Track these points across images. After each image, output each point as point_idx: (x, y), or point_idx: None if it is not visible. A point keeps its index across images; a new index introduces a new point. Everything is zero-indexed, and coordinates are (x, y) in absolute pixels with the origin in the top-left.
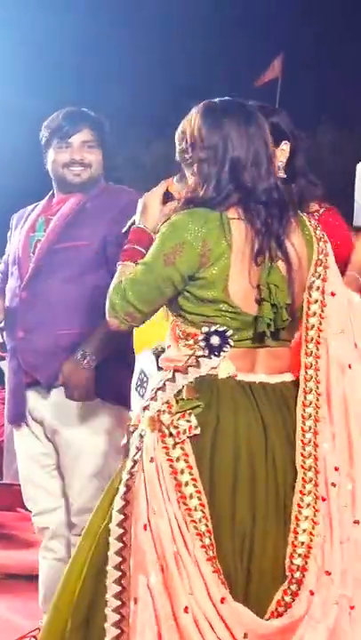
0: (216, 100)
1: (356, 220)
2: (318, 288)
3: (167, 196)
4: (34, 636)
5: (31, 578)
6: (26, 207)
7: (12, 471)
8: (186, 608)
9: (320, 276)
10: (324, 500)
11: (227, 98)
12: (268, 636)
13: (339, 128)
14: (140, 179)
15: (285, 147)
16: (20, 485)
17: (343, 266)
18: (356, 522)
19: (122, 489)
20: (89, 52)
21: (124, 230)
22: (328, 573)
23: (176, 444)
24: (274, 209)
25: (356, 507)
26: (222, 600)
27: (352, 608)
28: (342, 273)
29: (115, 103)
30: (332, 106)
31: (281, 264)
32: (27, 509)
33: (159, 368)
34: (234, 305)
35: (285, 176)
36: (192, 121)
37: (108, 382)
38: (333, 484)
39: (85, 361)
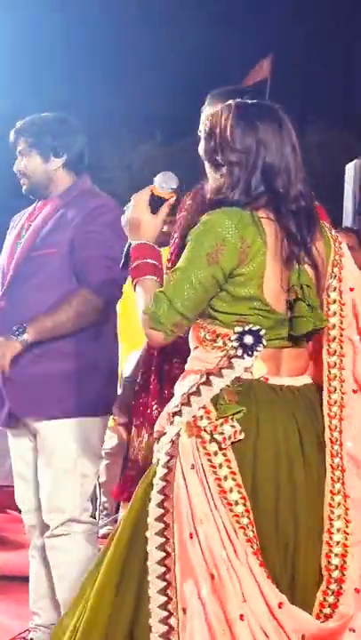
0: (248, 101)
1: (345, 221)
2: (335, 289)
3: (156, 202)
4: (24, 638)
5: (22, 579)
6: (26, 209)
7: (3, 473)
8: (241, 616)
9: (335, 276)
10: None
11: (257, 101)
12: (325, 637)
13: (327, 128)
14: (127, 179)
15: None
16: (10, 487)
17: None
18: None
19: (157, 497)
20: (79, 53)
21: (122, 263)
22: None
23: (220, 450)
24: (303, 216)
25: None
26: (280, 605)
27: None
28: None
29: (104, 104)
30: (321, 106)
31: (308, 268)
32: (18, 511)
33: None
34: (267, 302)
35: None
36: (222, 121)
37: (93, 397)
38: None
39: (19, 335)
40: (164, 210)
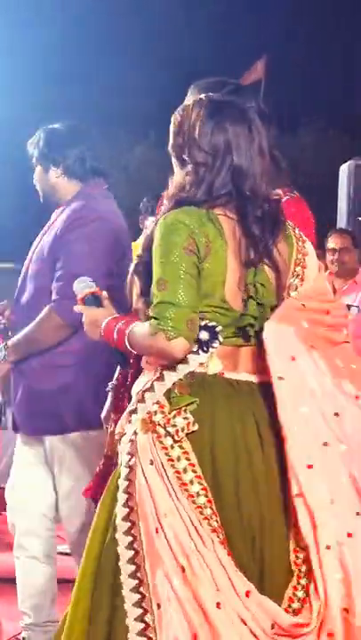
0: (219, 99)
1: (340, 221)
2: (296, 287)
3: (92, 301)
4: (17, 639)
5: (14, 581)
6: None
7: None
8: (218, 604)
9: (298, 275)
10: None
11: (229, 98)
12: (292, 629)
13: (322, 129)
14: (123, 181)
15: None
16: (2, 489)
17: None
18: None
19: (123, 496)
20: (73, 54)
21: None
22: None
23: (175, 442)
24: (268, 219)
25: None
26: (247, 594)
27: None
28: None
29: (100, 105)
30: (316, 107)
31: (267, 268)
32: None
33: None
34: (225, 300)
35: None
36: (192, 118)
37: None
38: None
39: (3, 358)
40: (106, 301)
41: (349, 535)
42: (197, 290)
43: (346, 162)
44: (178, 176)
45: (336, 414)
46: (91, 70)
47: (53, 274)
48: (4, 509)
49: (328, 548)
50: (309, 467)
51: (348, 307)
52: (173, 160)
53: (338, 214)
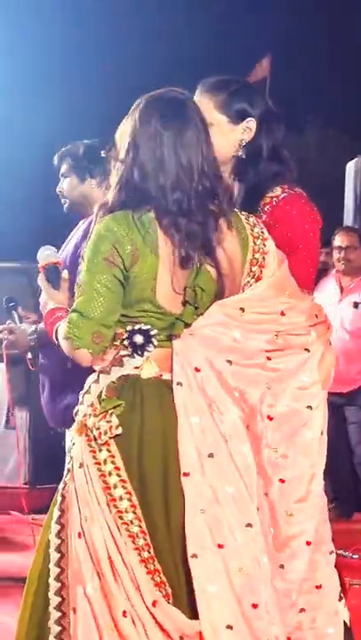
0: (152, 93)
1: (346, 219)
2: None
3: (52, 272)
4: None
5: (23, 581)
6: None
7: (6, 474)
8: (124, 612)
9: (255, 275)
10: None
11: (165, 90)
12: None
13: (327, 127)
14: None
15: (251, 124)
16: (12, 488)
17: (295, 256)
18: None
19: (58, 499)
20: (72, 54)
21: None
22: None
23: (102, 446)
24: (197, 216)
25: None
26: (154, 603)
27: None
28: (296, 266)
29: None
30: (320, 105)
31: (210, 268)
32: (21, 512)
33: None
34: (159, 305)
35: (244, 156)
36: (125, 120)
37: None
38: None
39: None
40: (64, 283)
41: (219, 546)
42: (114, 302)
43: (352, 159)
44: (111, 181)
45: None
46: (91, 70)
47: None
48: (13, 509)
49: (194, 556)
50: (185, 474)
51: (356, 304)
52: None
53: (345, 212)
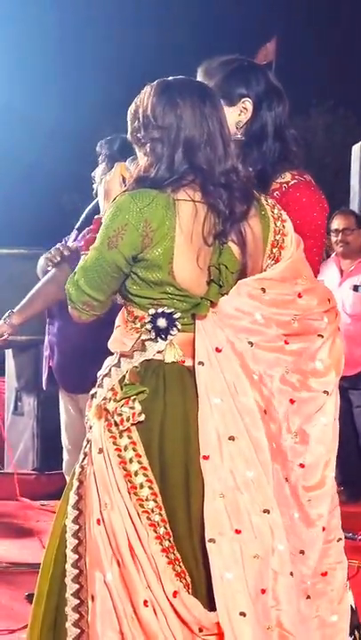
0: (170, 78)
1: (352, 201)
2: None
3: (125, 181)
4: None
5: (33, 566)
6: None
7: (14, 461)
8: (145, 602)
9: (274, 256)
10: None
11: (181, 76)
12: (217, 629)
13: (332, 110)
14: None
15: (246, 104)
16: (20, 475)
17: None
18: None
19: (75, 484)
20: (72, 39)
21: (77, 226)
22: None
23: (122, 432)
24: (236, 192)
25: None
26: (175, 594)
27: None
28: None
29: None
30: (326, 88)
31: (234, 246)
32: (30, 499)
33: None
34: (180, 287)
35: (243, 137)
36: (145, 99)
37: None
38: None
39: (7, 319)
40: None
41: (237, 532)
42: (105, 282)
43: (358, 142)
44: (141, 161)
45: (265, 411)
46: (95, 59)
47: None
48: (22, 495)
49: (211, 541)
50: (205, 457)
51: (356, 287)
52: (135, 147)
53: (351, 194)
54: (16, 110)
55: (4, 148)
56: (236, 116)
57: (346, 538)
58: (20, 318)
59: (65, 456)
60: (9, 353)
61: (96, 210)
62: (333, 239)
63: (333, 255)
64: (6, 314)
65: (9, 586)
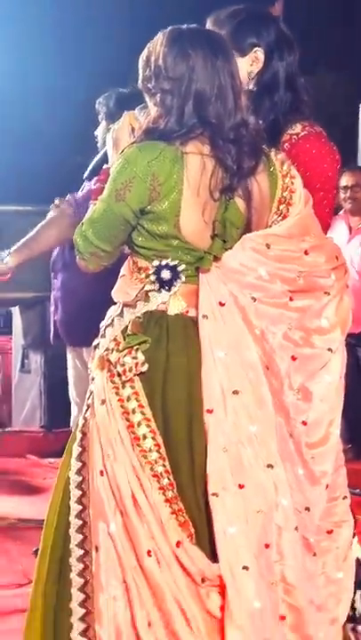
0: (184, 27)
1: (359, 159)
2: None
3: (133, 130)
4: None
5: (41, 523)
6: None
7: (22, 418)
8: (149, 552)
9: (281, 213)
10: None
11: (194, 26)
12: (219, 580)
13: (341, 68)
14: None
15: (258, 54)
16: (28, 432)
17: (313, 196)
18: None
19: (78, 435)
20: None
21: (86, 175)
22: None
23: (125, 382)
24: (245, 146)
25: None
26: (178, 544)
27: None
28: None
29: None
30: (334, 46)
31: (240, 201)
32: (38, 456)
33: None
34: (185, 240)
35: (255, 88)
36: (157, 48)
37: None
38: None
39: (2, 260)
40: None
41: (240, 486)
42: (113, 234)
43: None
44: (152, 111)
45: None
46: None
47: None
48: (30, 453)
49: (214, 495)
50: (209, 411)
51: None
52: (145, 97)
53: (359, 153)
54: (25, 76)
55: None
56: (248, 66)
57: (353, 494)
58: (18, 259)
59: (73, 411)
60: (16, 310)
61: (104, 159)
62: (342, 196)
63: (342, 212)
64: (4, 254)
65: (17, 542)
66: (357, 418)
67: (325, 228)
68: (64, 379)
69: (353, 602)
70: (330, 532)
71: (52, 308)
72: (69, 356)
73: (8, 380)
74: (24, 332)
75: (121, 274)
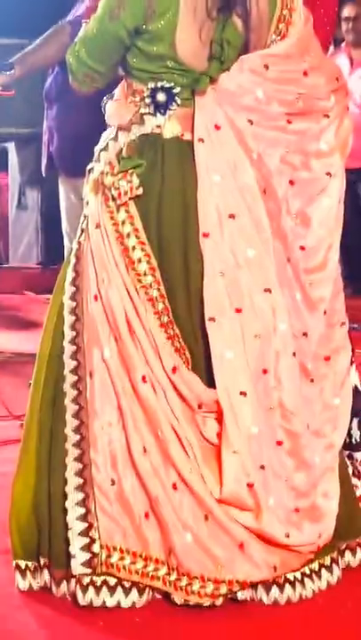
0: None
1: None
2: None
3: None
4: None
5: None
6: None
7: (19, 254)
8: (144, 377)
9: (280, 32)
10: None
11: None
12: (215, 406)
13: None
14: None
15: None
16: (25, 268)
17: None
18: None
19: (72, 260)
20: None
21: None
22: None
23: (120, 206)
24: None
25: None
26: (174, 370)
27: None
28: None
29: None
30: None
31: (237, 20)
32: (35, 292)
33: None
34: (181, 61)
35: None
36: None
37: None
38: None
39: (6, 71)
40: None
41: (237, 310)
42: (108, 53)
43: None
44: None
45: (264, 191)
46: None
47: None
48: (27, 289)
49: (211, 319)
50: (205, 235)
51: None
52: None
53: None
54: None
55: None
56: None
57: (352, 329)
58: (22, 70)
59: (66, 243)
60: (12, 146)
61: None
62: (344, 28)
63: (343, 44)
64: (4, 66)
65: (12, 375)
66: (355, 255)
67: (325, 47)
68: (61, 214)
69: (349, 429)
70: (327, 358)
71: (46, 138)
72: (62, 189)
73: (5, 216)
74: (20, 169)
75: (115, 97)
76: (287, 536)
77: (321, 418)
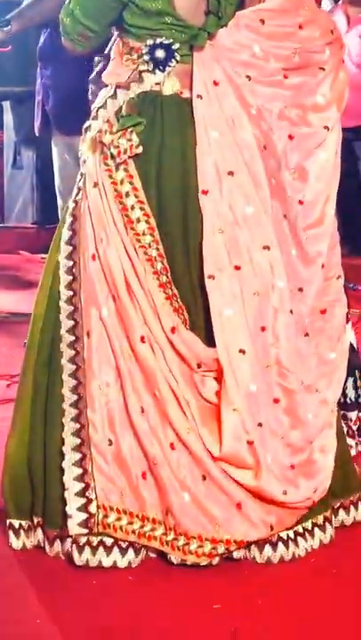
0: None
1: None
2: None
3: None
4: None
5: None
6: None
7: (14, 214)
8: (142, 337)
9: None
10: None
11: None
12: (213, 364)
13: None
14: None
15: None
16: (21, 228)
17: None
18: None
19: (68, 219)
20: None
21: None
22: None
23: (119, 165)
24: None
25: None
26: (172, 330)
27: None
28: None
29: None
30: None
31: None
32: (30, 252)
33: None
34: (180, 17)
35: None
36: None
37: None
38: None
39: (4, 27)
40: None
41: (236, 268)
42: (103, 10)
43: None
44: None
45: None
46: None
47: None
48: (22, 249)
49: (211, 277)
50: (204, 192)
51: None
52: None
53: None
54: None
55: None
56: None
57: (349, 289)
58: (18, 26)
59: (59, 202)
60: (6, 105)
61: None
62: None
63: (340, 2)
64: (1, 22)
65: (7, 335)
66: (351, 216)
67: (318, 1)
68: None
69: (344, 389)
70: (323, 311)
71: (40, 97)
72: (56, 148)
73: (0, 176)
74: (15, 128)
75: (112, 58)
76: (284, 493)
77: (316, 372)
